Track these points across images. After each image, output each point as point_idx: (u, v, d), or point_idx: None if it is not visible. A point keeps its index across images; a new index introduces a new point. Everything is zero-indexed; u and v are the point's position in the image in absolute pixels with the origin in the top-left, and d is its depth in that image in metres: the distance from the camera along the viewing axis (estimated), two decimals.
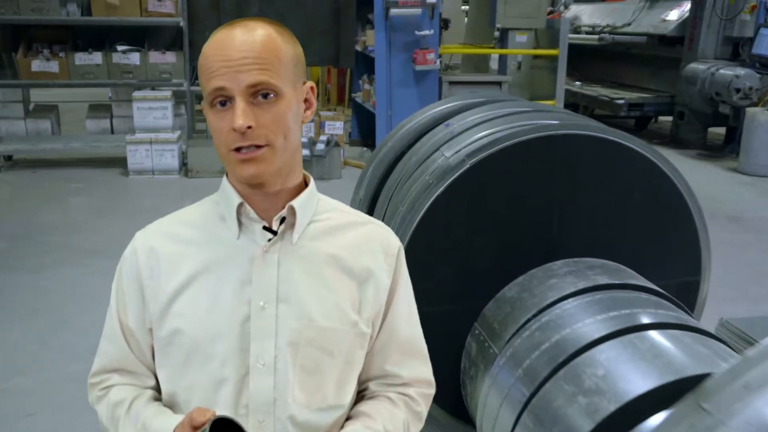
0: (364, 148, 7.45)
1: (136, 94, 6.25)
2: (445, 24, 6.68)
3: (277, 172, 0.90)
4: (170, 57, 6.35)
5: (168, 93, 6.29)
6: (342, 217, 0.99)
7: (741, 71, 6.84)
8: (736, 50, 7.41)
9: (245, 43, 0.86)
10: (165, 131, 6.28)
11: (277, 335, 0.90)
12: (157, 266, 0.94)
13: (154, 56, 6.30)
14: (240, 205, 0.92)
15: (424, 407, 1.05)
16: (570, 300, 1.83)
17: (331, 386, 0.95)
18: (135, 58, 6.28)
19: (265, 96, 0.86)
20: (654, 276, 2.10)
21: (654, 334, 1.58)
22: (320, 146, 6.17)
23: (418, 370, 1.04)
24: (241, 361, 0.90)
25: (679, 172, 2.15)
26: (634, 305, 1.74)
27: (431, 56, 6.01)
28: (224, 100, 0.86)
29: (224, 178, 0.96)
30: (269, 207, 0.93)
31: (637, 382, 1.43)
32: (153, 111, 6.20)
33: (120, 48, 6.29)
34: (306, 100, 0.93)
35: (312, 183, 0.98)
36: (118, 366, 1.00)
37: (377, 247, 0.97)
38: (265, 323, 0.90)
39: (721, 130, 7.97)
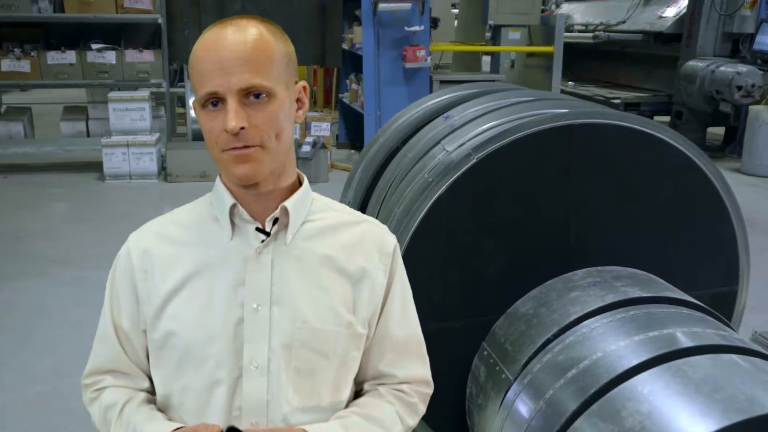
0: (352, 151, 7.18)
1: (112, 94, 5.94)
2: (434, 23, 6.43)
3: (270, 172, 0.89)
4: (148, 56, 6.05)
5: (145, 93, 5.99)
6: (336, 217, 0.97)
7: (743, 68, 6.62)
8: (736, 47, 7.20)
9: (237, 43, 0.85)
10: (143, 134, 5.97)
11: (271, 337, 0.90)
12: (151, 268, 0.94)
13: (131, 55, 6.00)
14: (233, 206, 0.91)
15: (418, 401, 1.02)
16: (598, 317, 1.55)
17: (326, 388, 0.94)
18: (111, 56, 5.98)
19: (257, 96, 0.85)
20: (685, 286, 1.83)
21: (706, 360, 1.30)
22: (306, 148, 5.88)
23: (414, 369, 1.01)
24: (235, 363, 0.90)
25: (715, 167, 1.88)
26: (675, 323, 1.46)
27: (422, 53, 5.75)
28: (216, 100, 0.86)
29: (217, 179, 0.95)
30: (262, 208, 0.92)
31: (695, 422, 1.15)
32: (130, 112, 5.90)
33: (95, 46, 5.98)
34: (298, 100, 0.92)
35: (306, 183, 0.97)
36: (111, 367, 0.99)
37: (372, 246, 0.96)
38: (259, 325, 0.90)
39: (720, 130, 7.76)
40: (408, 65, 5.74)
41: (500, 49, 6.52)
